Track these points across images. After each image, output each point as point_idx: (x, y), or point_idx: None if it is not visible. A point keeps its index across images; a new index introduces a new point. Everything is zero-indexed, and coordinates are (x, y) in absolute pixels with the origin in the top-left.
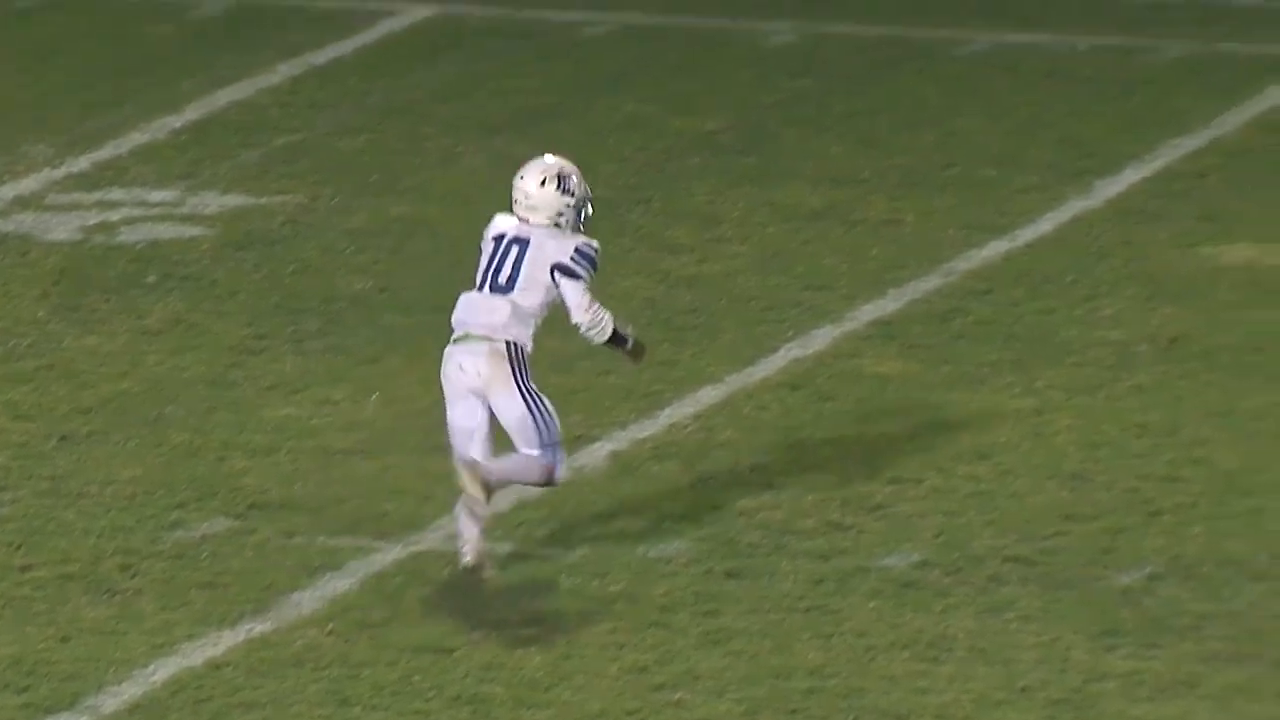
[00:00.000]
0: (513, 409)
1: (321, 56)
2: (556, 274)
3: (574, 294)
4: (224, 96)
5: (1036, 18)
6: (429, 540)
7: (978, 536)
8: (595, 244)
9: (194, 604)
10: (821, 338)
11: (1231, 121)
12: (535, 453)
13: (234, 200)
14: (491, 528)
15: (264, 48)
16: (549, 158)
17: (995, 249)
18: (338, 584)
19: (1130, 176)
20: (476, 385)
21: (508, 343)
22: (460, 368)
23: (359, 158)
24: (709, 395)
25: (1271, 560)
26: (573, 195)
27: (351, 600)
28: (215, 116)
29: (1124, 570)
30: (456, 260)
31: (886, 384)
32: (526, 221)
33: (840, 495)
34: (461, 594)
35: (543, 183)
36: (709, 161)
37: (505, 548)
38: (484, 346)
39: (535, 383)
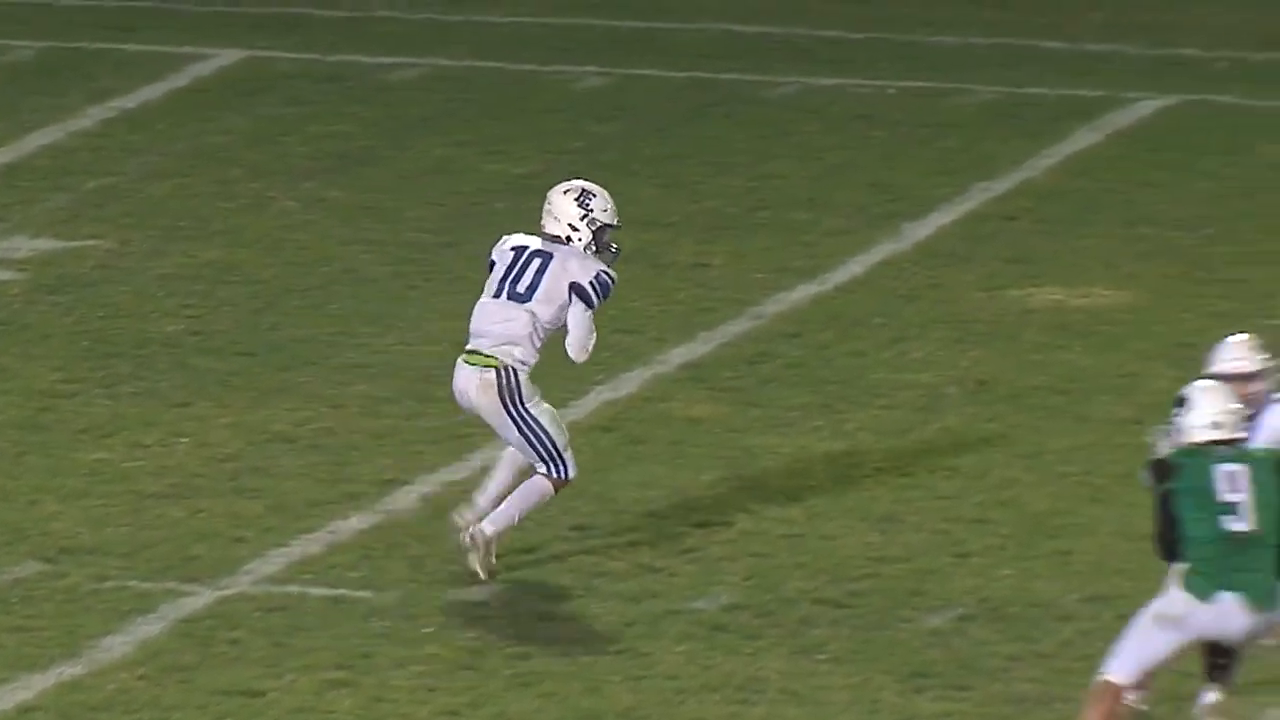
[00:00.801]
0: (508, 434)
1: (131, 100)
2: (573, 294)
3: (579, 321)
4: (33, 140)
5: (845, 61)
6: (239, 584)
7: (788, 579)
8: (614, 275)
9: (4, 648)
10: (632, 381)
11: (1039, 165)
12: (540, 469)
13: (45, 244)
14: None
15: (73, 91)
16: (583, 180)
17: (804, 292)
18: (149, 628)
19: (939, 219)
20: (470, 408)
21: (499, 370)
22: (456, 389)
23: (169, 202)
24: None
25: (1080, 602)
26: (590, 213)
27: (162, 644)
28: (25, 160)
29: (934, 612)
30: (268, 304)
31: (697, 427)
32: (549, 237)
33: (651, 538)
34: (272, 637)
35: (565, 191)
36: (519, 205)
37: (317, 590)
38: (475, 375)
39: (530, 402)
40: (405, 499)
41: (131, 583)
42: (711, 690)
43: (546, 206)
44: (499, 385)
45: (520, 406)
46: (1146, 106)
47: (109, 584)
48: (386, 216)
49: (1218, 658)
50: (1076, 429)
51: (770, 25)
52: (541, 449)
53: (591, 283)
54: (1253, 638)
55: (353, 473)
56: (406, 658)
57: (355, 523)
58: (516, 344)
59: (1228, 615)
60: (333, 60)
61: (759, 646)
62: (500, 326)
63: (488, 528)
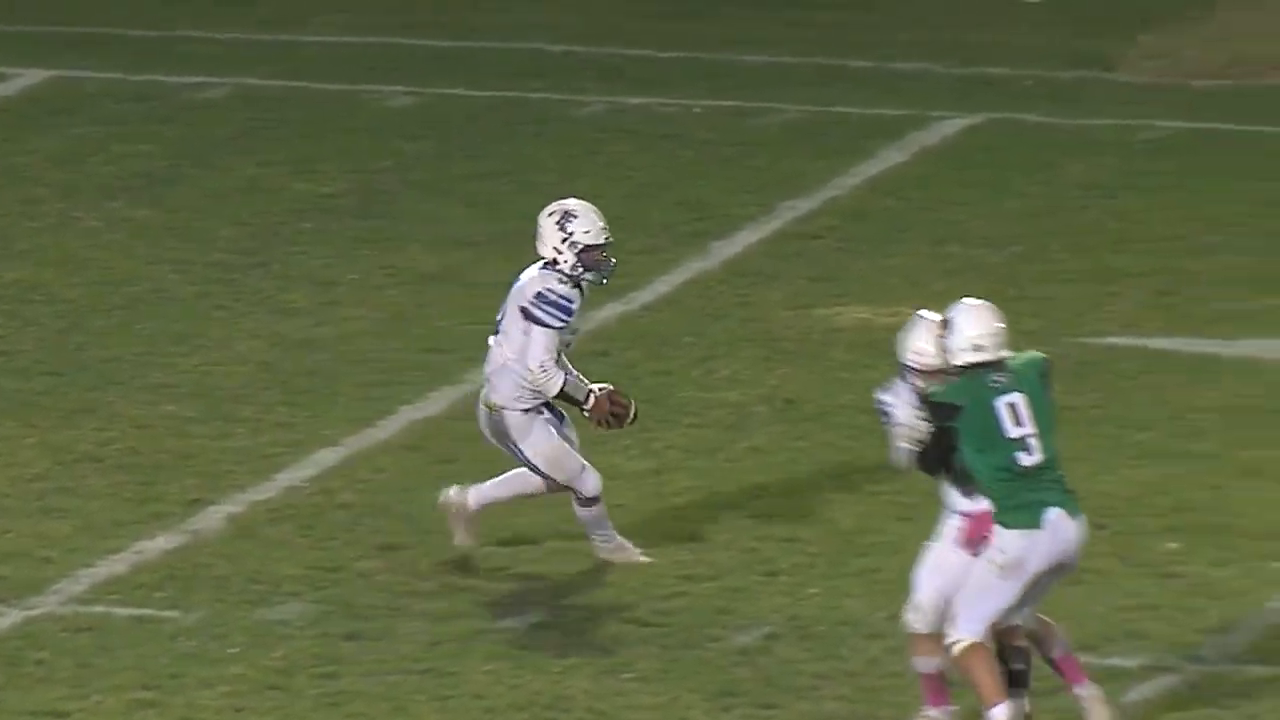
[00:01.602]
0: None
1: None
2: (524, 317)
3: (533, 343)
4: None
5: (653, 80)
6: (46, 604)
7: (596, 598)
8: (563, 291)
9: None
10: (440, 400)
11: (846, 184)
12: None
13: None
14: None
15: None
16: (573, 199)
17: (612, 310)
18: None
19: (746, 238)
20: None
21: (490, 411)
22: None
23: None
24: (327, 458)
25: (888, 620)
26: (570, 236)
27: None
28: None
29: (742, 630)
30: (74, 324)
31: None
32: (540, 260)
33: (459, 557)
34: (78, 658)
35: (550, 214)
36: (327, 225)
37: (124, 610)
38: (483, 413)
39: (524, 441)
40: (211, 519)
41: None
42: (519, 709)
43: (536, 228)
44: (492, 424)
45: (513, 446)
46: (953, 125)
47: None
48: (193, 236)
49: (1015, 664)
50: (884, 447)
51: (579, 45)
52: (552, 480)
53: (533, 301)
54: (1072, 559)
55: (159, 493)
56: (213, 677)
57: (162, 543)
58: (499, 381)
59: (1059, 530)
60: (139, 80)
61: (567, 665)
62: (488, 366)
63: (470, 499)
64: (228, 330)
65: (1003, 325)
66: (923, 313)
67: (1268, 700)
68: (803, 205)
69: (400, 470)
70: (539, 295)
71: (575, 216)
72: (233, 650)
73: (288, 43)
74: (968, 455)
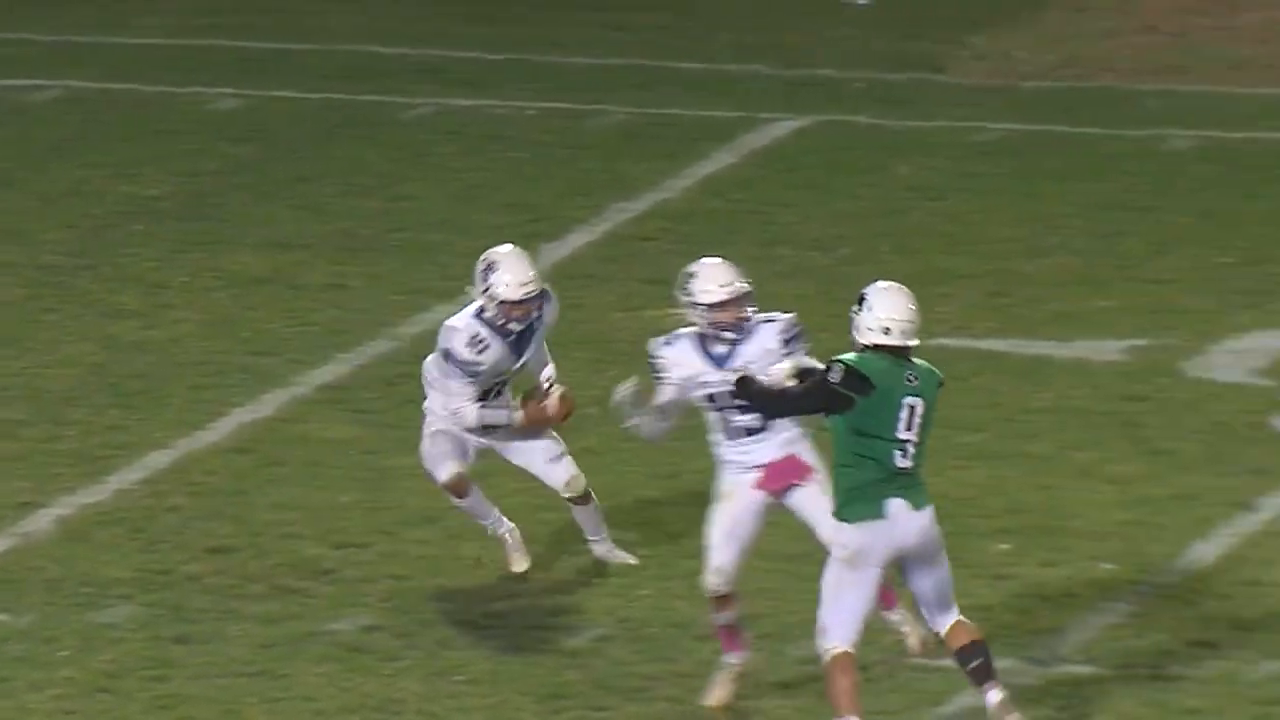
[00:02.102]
0: None
1: None
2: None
3: (448, 385)
4: None
5: (481, 82)
6: None
7: (426, 600)
8: (466, 357)
9: None
10: (270, 402)
11: (676, 185)
12: None
13: None
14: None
15: None
16: (507, 246)
17: (442, 313)
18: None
19: (577, 240)
20: None
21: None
22: None
23: None
24: (157, 460)
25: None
26: (488, 285)
27: None
28: None
29: (572, 632)
30: None
31: (335, 448)
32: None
33: (289, 560)
34: None
35: (481, 259)
36: (154, 227)
37: None
38: None
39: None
40: (41, 521)
41: None
42: (350, 712)
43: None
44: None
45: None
46: (782, 127)
47: None
48: (21, 239)
49: (971, 659)
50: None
51: (406, 47)
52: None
53: (443, 355)
54: (922, 546)
55: None
56: (43, 680)
57: None
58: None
59: (899, 521)
60: None
61: (398, 668)
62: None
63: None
64: (57, 333)
65: (916, 312)
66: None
67: (1098, 700)
68: (634, 207)
69: (230, 473)
70: (445, 354)
71: (497, 269)
72: (63, 653)
73: (113, 45)
74: (843, 428)
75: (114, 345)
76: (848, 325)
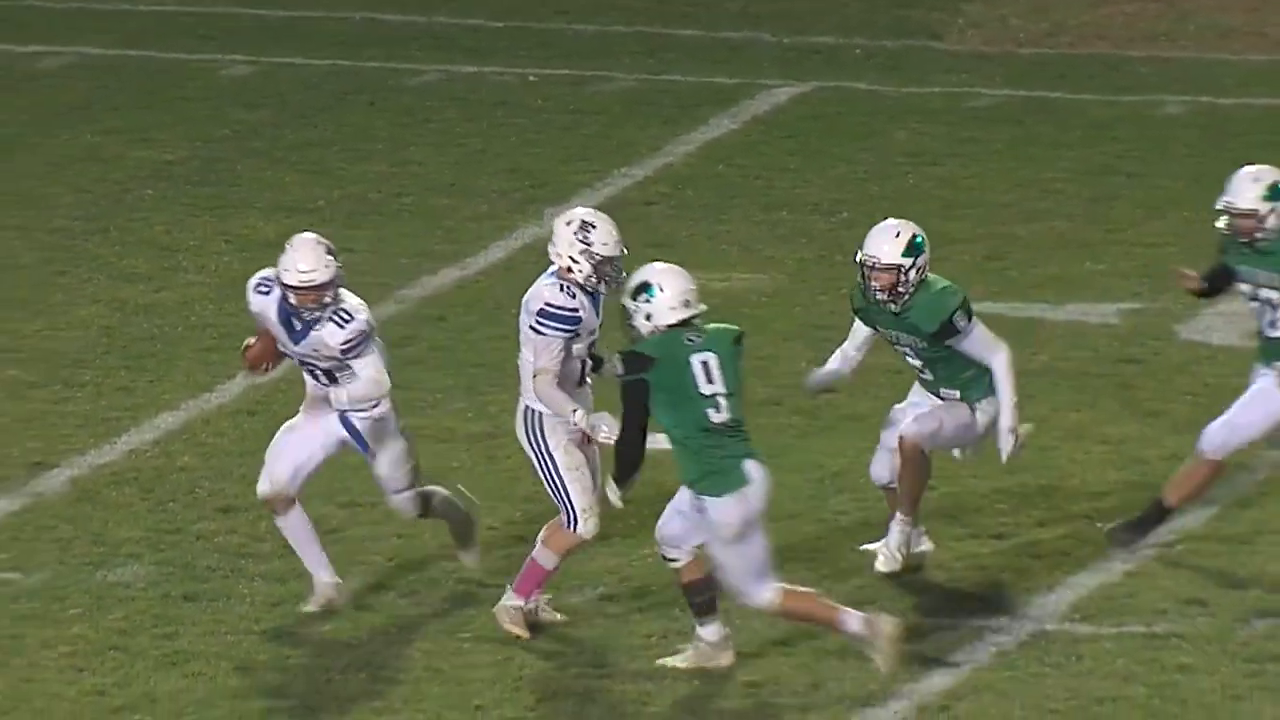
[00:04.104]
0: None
1: None
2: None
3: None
4: None
5: (486, 49)
6: None
7: (433, 559)
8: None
9: None
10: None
11: (678, 151)
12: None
13: None
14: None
15: None
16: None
17: (447, 276)
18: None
19: (580, 204)
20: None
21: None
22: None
23: None
24: (167, 421)
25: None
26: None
27: None
28: None
29: (575, 591)
30: None
31: None
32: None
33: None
34: None
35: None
36: (166, 192)
37: None
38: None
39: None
40: (53, 482)
41: None
42: (357, 669)
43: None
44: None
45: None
46: (783, 94)
47: None
48: (35, 203)
49: (697, 595)
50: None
51: (412, 14)
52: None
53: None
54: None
55: (1, 455)
56: (55, 638)
57: (4, 505)
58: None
59: (761, 478)
60: None
61: (405, 624)
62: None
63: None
64: (69, 296)
65: (695, 287)
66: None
67: (1093, 659)
68: (636, 172)
69: (239, 434)
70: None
71: (594, 228)
72: (74, 611)
73: (127, 11)
74: (659, 412)
75: (125, 308)
76: (843, 293)
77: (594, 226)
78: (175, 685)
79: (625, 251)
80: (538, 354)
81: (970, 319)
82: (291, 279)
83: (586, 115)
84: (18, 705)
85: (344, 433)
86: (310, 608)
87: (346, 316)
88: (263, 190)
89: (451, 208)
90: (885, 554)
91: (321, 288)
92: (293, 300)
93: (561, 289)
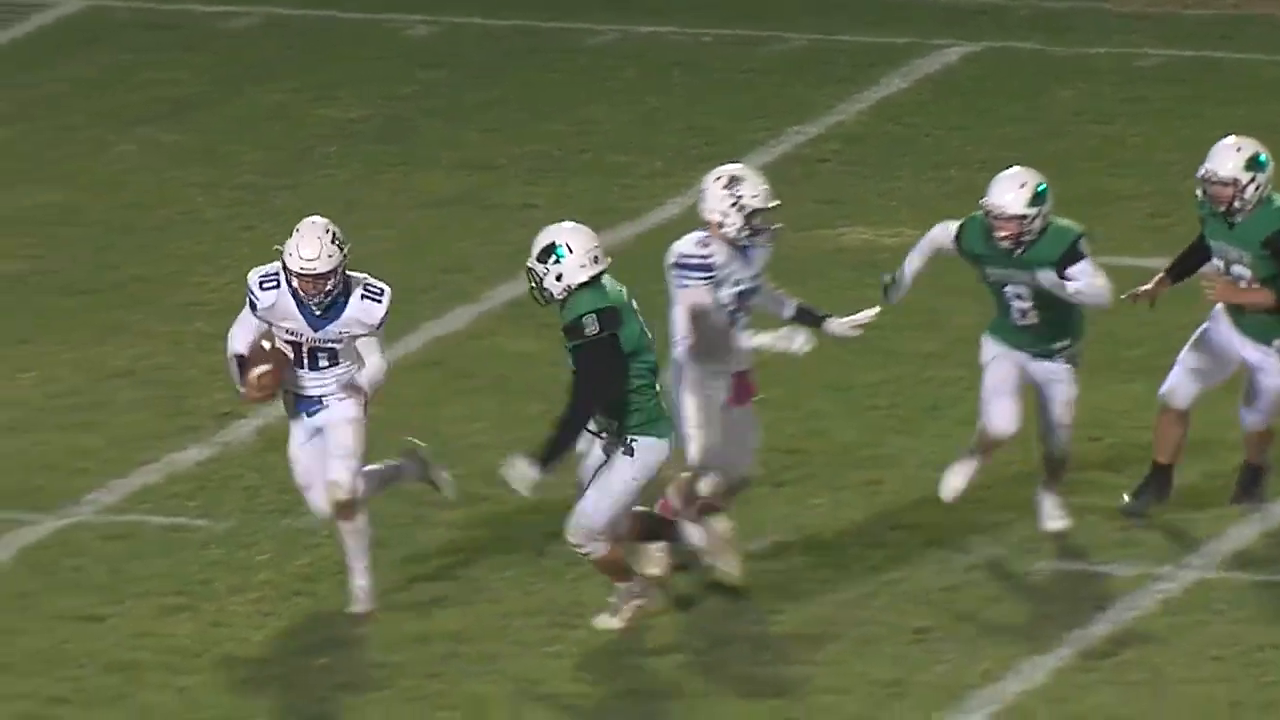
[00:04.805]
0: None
1: None
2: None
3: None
4: None
5: (663, 9)
6: (81, 513)
7: None
8: (691, 250)
9: None
10: (460, 318)
11: (850, 109)
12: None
13: None
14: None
15: None
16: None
17: (626, 232)
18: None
19: (753, 161)
20: None
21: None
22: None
23: (11, 146)
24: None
25: (886, 529)
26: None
27: (6, 571)
28: None
29: (750, 539)
30: (107, 245)
31: (522, 362)
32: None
33: (478, 468)
34: (112, 565)
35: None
36: (351, 150)
37: (156, 519)
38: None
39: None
40: (241, 432)
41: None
42: (535, 614)
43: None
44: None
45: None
46: (953, 53)
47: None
48: (221, 160)
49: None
50: (884, 363)
51: None
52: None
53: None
54: None
55: (190, 406)
56: (242, 584)
57: (193, 454)
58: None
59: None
60: (169, 9)
61: (580, 573)
62: None
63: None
64: (255, 250)
65: (598, 240)
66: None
67: (1256, 607)
68: (808, 130)
69: (421, 385)
70: (676, 264)
71: (743, 181)
72: (261, 558)
73: None
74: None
75: None
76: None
77: (742, 180)
78: (360, 630)
79: (776, 203)
80: (683, 305)
81: (1087, 252)
82: (294, 264)
83: (760, 74)
84: (207, 649)
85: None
86: (356, 608)
87: (377, 290)
88: (444, 148)
89: (630, 164)
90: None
91: (323, 276)
92: (294, 285)
93: (696, 241)
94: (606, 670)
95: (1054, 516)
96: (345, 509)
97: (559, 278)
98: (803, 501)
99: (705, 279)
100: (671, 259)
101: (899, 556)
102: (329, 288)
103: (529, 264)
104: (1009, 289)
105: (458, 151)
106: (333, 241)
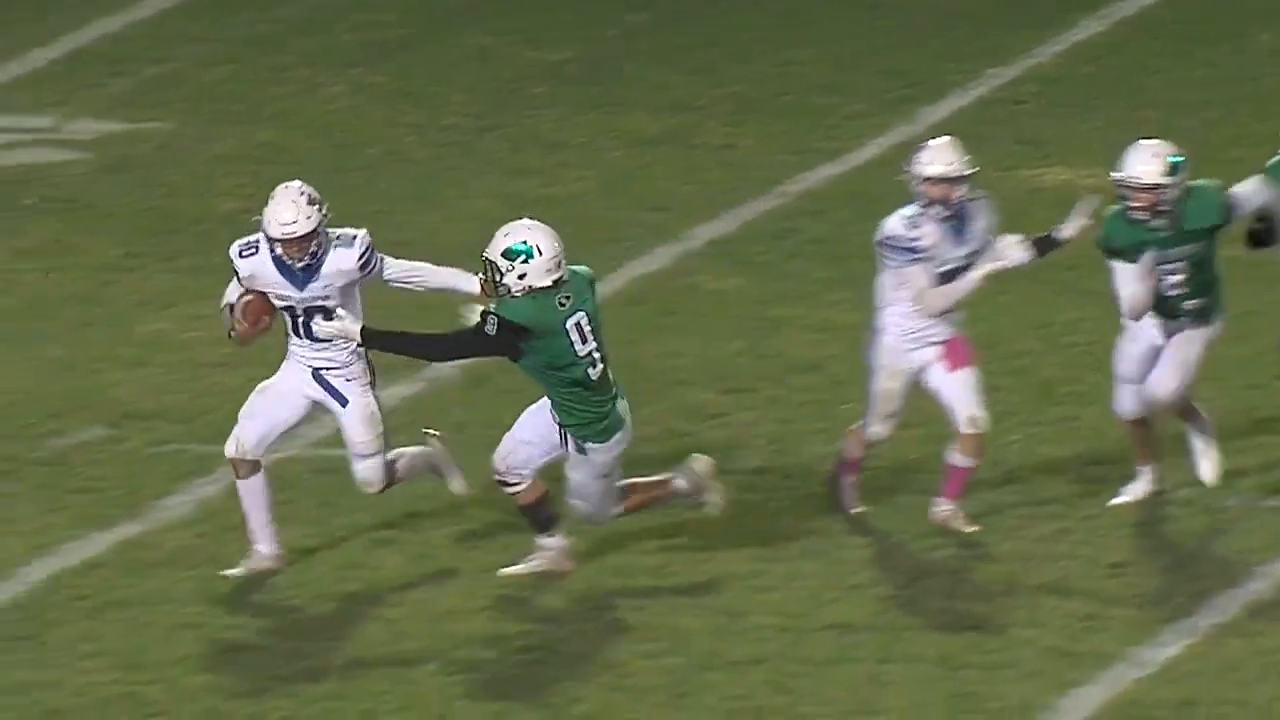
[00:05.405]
0: None
1: None
2: None
3: (896, 281)
4: (96, 29)
5: None
6: (292, 447)
7: (810, 443)
8: (894, 232)
9: (70, 508)
10: (662, 256)
11: (1047, 52)
12: None
13: (108, 126)
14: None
15: None
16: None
17: (826, 172)
18: (206, 489)
19: (952, 104)
20: None
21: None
22: None
23: (225, 87)
24: None
25: (1085, 464)
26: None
27: (219, 504)
28: (88, 47)
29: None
30: (316, 184)
31: (724, 299)
32: None
33: (681, 404)
34: (321, 498)
35: (915, 153)
36: (556, 91)
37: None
38: None
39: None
40: (447, 368)
41: (190, 446)
42: (738, 547)
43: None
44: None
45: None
46: None
47: (169, 448)
48: (428, 102)
49: (539, 513)
50: (1081, 302)
51: None
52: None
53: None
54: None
55: None
56: (451, 518)
57: (401, 390)
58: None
59: (629, 422)
60: None
61: (782, 506)
62: None
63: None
64: (461, 190)
65: (562, 244)
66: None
67: None
68: (1006, 73)
69: (626, 322)
70: (881, 242)
71: (924, 150)
72: (470, 494)
73: None
74: (536, 372)
75: (516, 202)
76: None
77: (925, 148)
78: (566, 565)
79: (951, 174)
80: (897, 283)
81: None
82: (275, 231)
83: (959, 18)
84: (413, 583)
85: (316, 393)
86: (234, 572)
87: (348, 235)
88: (648, 89)
89: (831, 106)
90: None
91: (305, 239)
92: (279, 251)
93: (905, 220)
94: (807, 604)
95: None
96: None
97: (522, 277)
98: (1001, 438)
99: (911, 260)
100: (880, 235)
101: (1095, 492)
102: (312, 249)
103: (491, 257)
104: (1164, 267)
105: (661, 93)
106: (309, 203)
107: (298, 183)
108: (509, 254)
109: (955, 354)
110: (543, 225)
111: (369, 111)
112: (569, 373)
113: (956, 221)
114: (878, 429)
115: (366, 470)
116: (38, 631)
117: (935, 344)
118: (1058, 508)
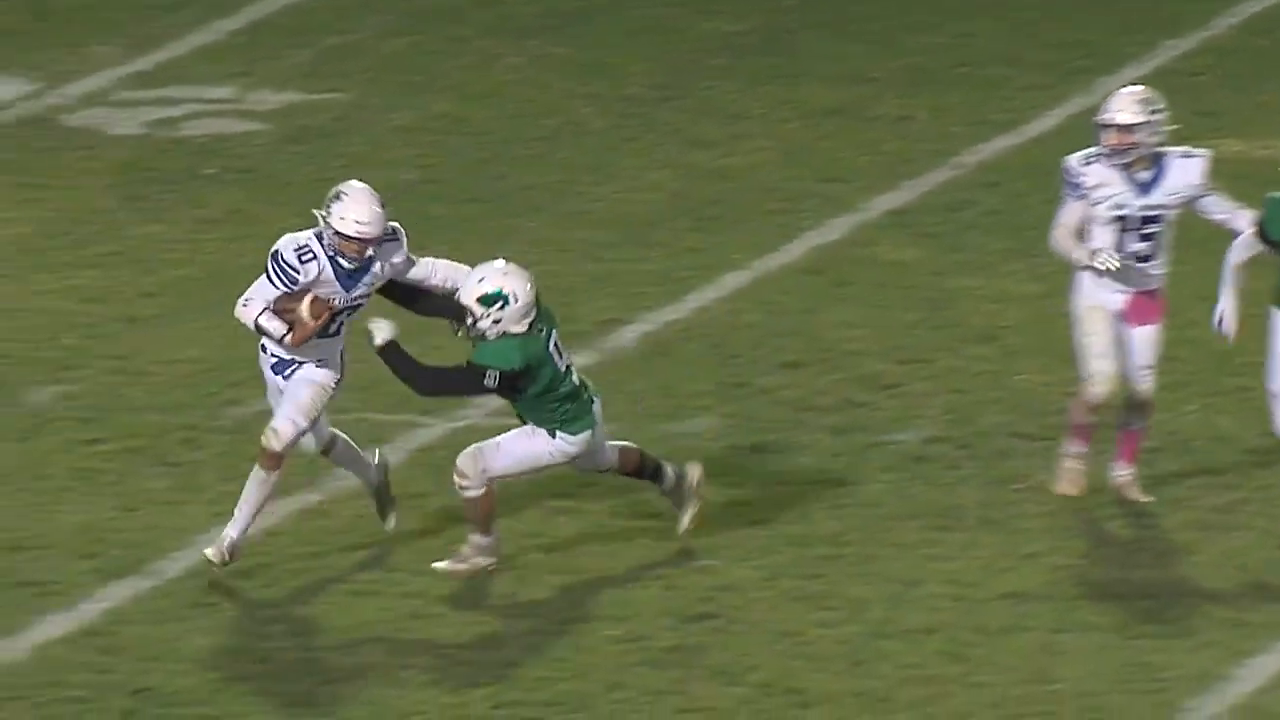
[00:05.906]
0: None
1: None
2: None
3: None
4: (276, 1)
5: None
6: (471, 416)
7: (985, 413)
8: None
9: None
10: (839, 226)
11: (1223, 24)
12: None
13: (288, 97)
14: None
15: None
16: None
17: (1002, 143)
18: (387, 458)
19: (1128, 75)
20: None
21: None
22: None
23: (403, 58)
24: (734, 280)
25: (1259, 436)
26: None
27: (399, 473)
28: (269, 19)
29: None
30: (494, 155)
31: (900, 270)
32: None
33: (856, 374)
34: None
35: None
36: (734, 62)
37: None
38: None
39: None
40: (625, 338)
41: (370, 415)
42: (912, 517)
43: None
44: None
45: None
46: None
47: (349, 416)
48: (607, 72)
49: (486, 516)
50: (1257, 273)
51: None
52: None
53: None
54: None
55: (575, 313)
56: (622, 486)
57: (578, 360)
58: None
59: (598, 417)
60: None
61: (958, 476)
62: None
63: None
64: (640, 160)
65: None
66: (359, 184)
67: None
68: (1182, 44)
69: (802, 292)
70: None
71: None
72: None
73: None
74: (529, 402)
75: (694, 173)
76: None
77: (1108, 100)
78: (740, 532)
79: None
80: (1061, 216)
81: None
82: (349, 229)
83: None
84: (591, 552)
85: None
86: (207, 551)
87: (393, 231)
88: (825, 60)
89: (1006, 78)
90: None
91: (374, 240)
92: (340, 246)
93: (1081, 156)
94: (981, 573)
95: None
96: (271, 459)
97: (497, 322)
98: (1176, 408)
99: (1073, 195)
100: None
101: (1270, 463)
102: (371, 252)
103: (466, 302)
104: None
105: (838, 64)
106: (381, 205)
107: (364, 184)
108: (485, 300)
109: (1141, 309)
110: (517, 267)
111: (547, 82)
112: (559, 390)
113: (1144, 170)
114: (1096, 385)
115: (283, 421)
116: (217, 600)
117: (1131, 293)
118: (1233, 478)
